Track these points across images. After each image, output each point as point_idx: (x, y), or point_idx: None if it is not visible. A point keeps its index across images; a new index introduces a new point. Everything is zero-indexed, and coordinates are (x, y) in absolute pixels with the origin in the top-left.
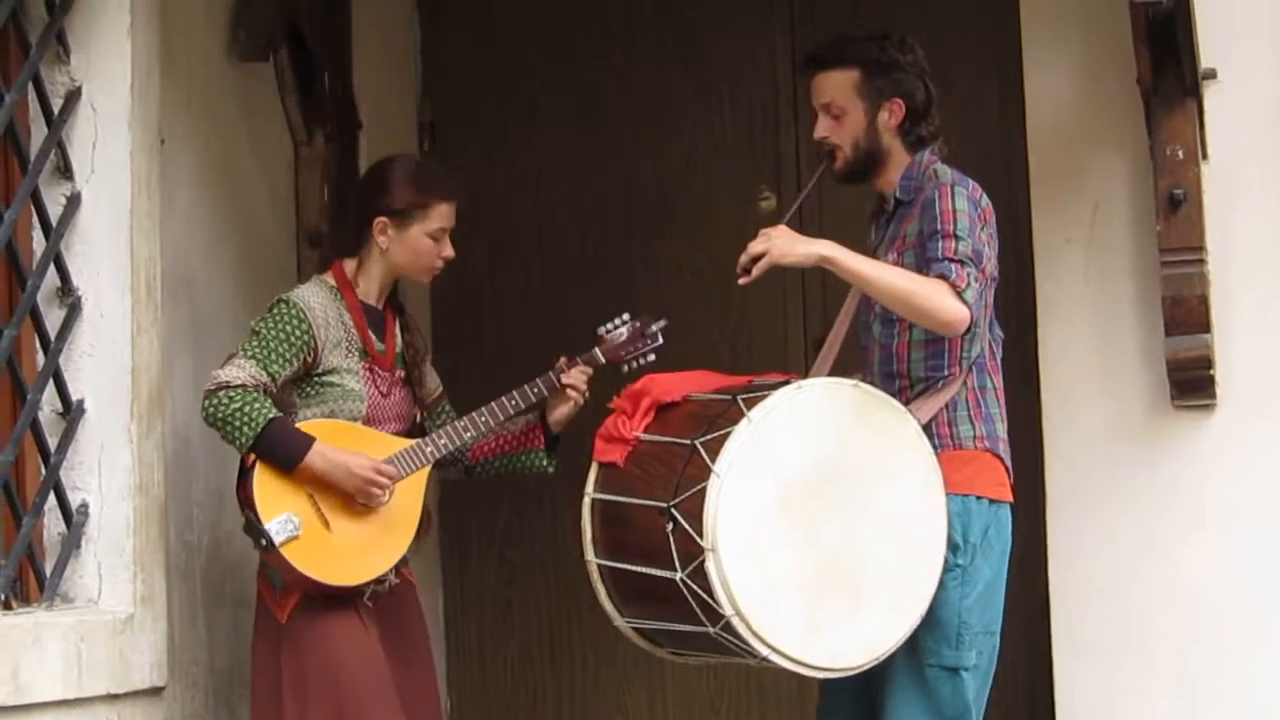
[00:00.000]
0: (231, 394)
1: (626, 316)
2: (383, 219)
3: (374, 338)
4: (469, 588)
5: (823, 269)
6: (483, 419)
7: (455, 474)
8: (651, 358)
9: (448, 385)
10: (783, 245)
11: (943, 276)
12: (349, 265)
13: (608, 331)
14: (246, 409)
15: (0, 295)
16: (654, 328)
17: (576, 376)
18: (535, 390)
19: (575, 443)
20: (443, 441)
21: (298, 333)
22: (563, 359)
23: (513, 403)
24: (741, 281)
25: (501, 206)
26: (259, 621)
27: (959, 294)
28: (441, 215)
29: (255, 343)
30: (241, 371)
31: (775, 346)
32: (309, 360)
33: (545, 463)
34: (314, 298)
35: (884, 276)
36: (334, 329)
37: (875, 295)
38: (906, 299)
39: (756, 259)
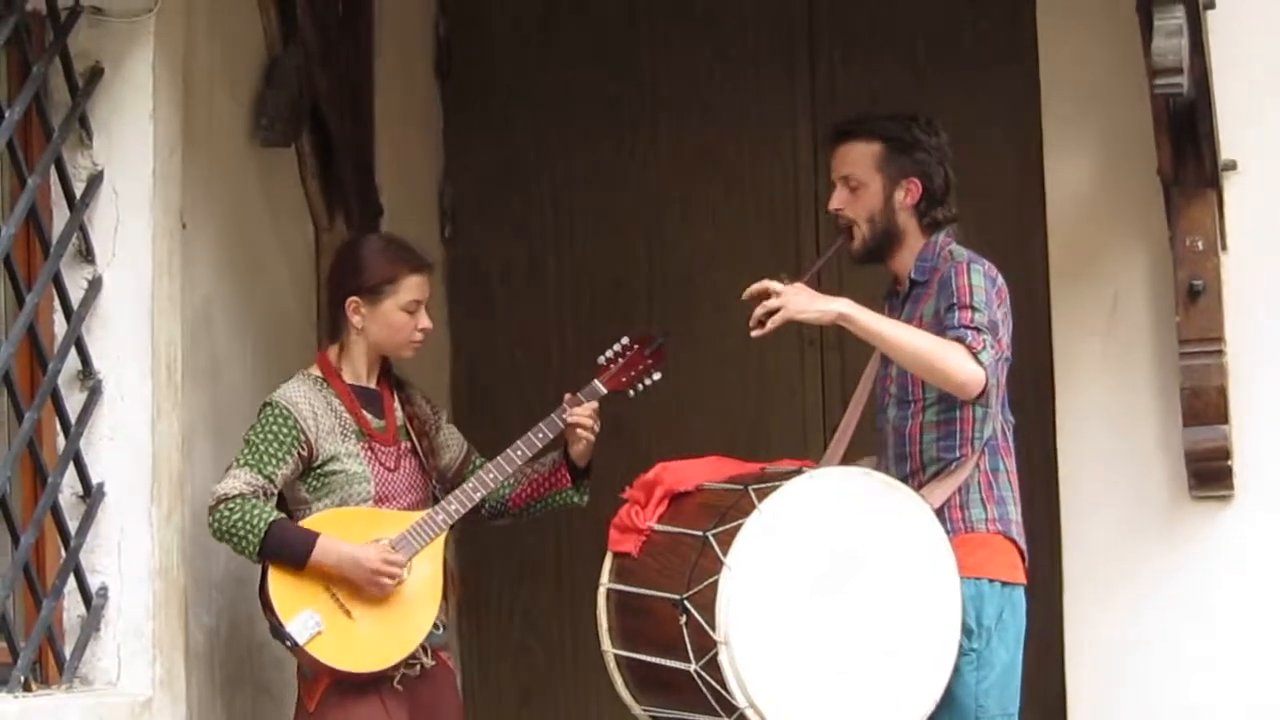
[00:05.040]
0: (231, 505)
1: (625, 341)
2: (355, 299)
3: (370, 416)
4: (487, 674)
5: (839, 357)
6: (491, 475)
7: (504, 521)
8: (656, 376)
9: None
10: (799, 301)
11: (959, 340)
12: (332, 352)
13: (608, 361)
14: (247, 518)
15: (22, 378)
16: (651, 348)
17: (580, 414)
18: (540, 435)
19: (594, 527)
20: (454, 507)
21: (284, 429)
22: (567, 396)
23: (519, 453)
24: (755, 334)
25: (523, 293)
26: (296, 712)
27: (975, 355)
28: (412, 287)
29: (247, 450)
30: (237, 481)
31: (794, 432)
32: (304, 455)
33: (576, 498)
34: (296, 393)
35: (900, 335)
36: (324, 418)
37: (891, 353)
38: (922, 357)
39: (772, 313)
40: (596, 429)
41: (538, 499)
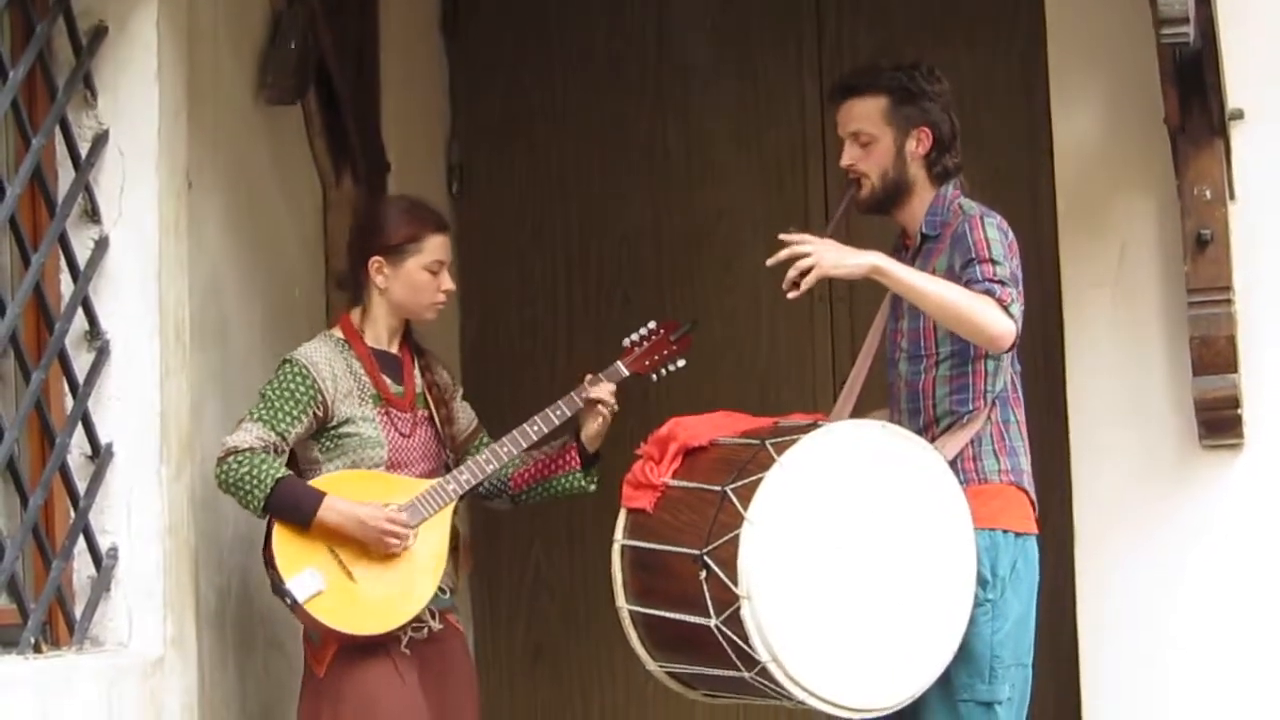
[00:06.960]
0: (240, 458)
1: (653, 324)
2: (378, 258)
3: (389, 381)
4: (499, 632)
5: (848, 312)
6: (505, 449)
7: (503, 504)
8: (680, 363)
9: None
10: (832, 257)
11: (988, 294)
12: (355, 314)
13: (633, 343)
14: (254, 472)
15: (29, 339)
16: (678, 334)
17: (600, 390)
18: (558, 412)
19: (606, 487)
20: (465, 477)
21: (302, 389)
22: (588, 377)
23: (535, 428)
24: (791, 295)
25: (531, 251)
26: (304, 678)
27: (1005, 309)
28: (435, 247)
29: (262, 405)
30: (248, 435)
31: (804, 387)
32: (319, 415)
33: (584, 482)
34: (317, 353)
35: (935, 288)
36: (342, 380)
37: (925, 306)
38: (957, 311)
39: (805, 272)
40: (615, 409)
41: (542, 480)
